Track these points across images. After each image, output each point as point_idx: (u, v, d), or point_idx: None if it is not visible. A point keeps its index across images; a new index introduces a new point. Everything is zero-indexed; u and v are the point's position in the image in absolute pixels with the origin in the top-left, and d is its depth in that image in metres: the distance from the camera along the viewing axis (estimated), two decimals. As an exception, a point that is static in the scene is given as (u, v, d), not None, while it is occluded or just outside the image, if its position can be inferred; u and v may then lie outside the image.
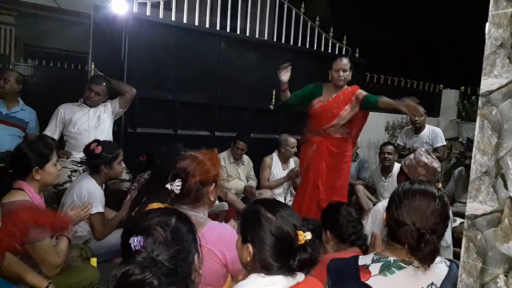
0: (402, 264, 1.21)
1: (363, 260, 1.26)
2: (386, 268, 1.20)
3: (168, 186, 1.57)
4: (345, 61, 3.25)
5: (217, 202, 3.44)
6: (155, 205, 1.56)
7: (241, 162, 4.38)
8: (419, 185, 1.32)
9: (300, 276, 1.19)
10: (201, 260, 1.16)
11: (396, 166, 4.27)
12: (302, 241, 1.17)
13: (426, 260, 1.18)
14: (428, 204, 1.25)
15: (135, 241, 1.00)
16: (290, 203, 4.54)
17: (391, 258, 1.23)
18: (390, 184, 4.30)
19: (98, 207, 2.58)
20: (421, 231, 1.19)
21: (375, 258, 1.25)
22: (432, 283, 1.18)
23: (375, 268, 1.21)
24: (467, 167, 3.90)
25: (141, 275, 0.93)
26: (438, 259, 1.25)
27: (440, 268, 1.23)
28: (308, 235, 1.18)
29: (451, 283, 1.19)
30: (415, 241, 1.19)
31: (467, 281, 0.96)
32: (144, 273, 0.93)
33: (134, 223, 1.11)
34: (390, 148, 4.35)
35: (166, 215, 1.13)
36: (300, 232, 1.18)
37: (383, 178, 4.43)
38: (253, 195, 4.20)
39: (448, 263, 1.25)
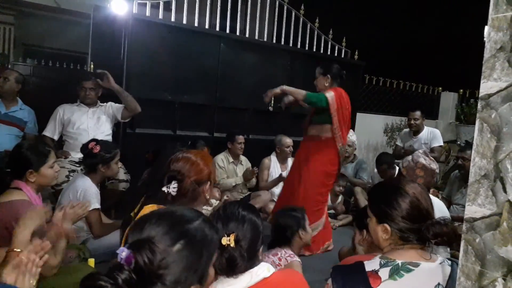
0: (410, 267, 1.22)
1: (369, 265, 1.26)
2: (395, 272, 1.21)
3: (164, 189, 1.58)
4: None
5: (215, 201, 3.44)
6: (151, 207, 1.55)
7: (239, 162, 4.38)
8: (395, 181, 1.41)
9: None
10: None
11: (396, 169, 4.27)
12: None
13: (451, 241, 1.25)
14: (421, 192, 1.31)
15: (123, 254, 0.84)
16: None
17: (399, 261, 1.23)
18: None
19: (95, 203, 2.58)
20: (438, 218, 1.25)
21: (382, 263, 1.25)
22: (439, 284, 1.20)
23: (384, 273, 1.22)
24: (460, 168, 3.91)
25: None
26: (440, 258, 1.28)
27: (444, 267, 1.25)
28: None
29: (455, 283, 1.21)
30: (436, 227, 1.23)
31: (465, 284, 0.96)
32: None
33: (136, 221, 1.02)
34: (385, 167, 4.28)
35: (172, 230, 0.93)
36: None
37: None
38: (253, 173, 4.19)
39: (450, 262, 1.27)
